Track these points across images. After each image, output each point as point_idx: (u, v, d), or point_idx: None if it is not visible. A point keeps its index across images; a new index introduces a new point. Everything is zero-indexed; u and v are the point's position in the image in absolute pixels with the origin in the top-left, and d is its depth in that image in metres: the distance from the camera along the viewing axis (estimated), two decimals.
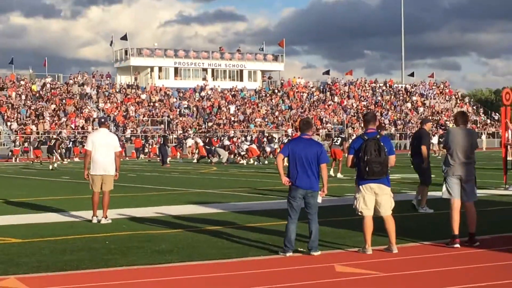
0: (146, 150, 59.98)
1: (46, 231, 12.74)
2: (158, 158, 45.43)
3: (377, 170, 9.84)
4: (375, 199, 10.05)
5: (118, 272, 9.01)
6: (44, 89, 75.93)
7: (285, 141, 42.86)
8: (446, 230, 11.09)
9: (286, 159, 10.30)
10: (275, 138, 51.90)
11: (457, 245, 10.41)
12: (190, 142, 53.01)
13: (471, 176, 10.74)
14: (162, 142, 43.50)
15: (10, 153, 54.93)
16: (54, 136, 49.41)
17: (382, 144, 9.90)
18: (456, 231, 10.49)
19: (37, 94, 74.40)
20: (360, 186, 10.08)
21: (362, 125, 10.40)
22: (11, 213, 15.91)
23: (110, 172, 14.27)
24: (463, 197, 10.68)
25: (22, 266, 9.41)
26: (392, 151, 10.14)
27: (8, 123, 67.20)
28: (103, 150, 14.18)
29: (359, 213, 10.14)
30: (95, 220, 14.02)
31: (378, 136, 10.01)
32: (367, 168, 9.86)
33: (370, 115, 10.42)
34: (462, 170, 10.64)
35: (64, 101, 73.92)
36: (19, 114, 69.53)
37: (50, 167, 39.02)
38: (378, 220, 10.18)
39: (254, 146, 44.11)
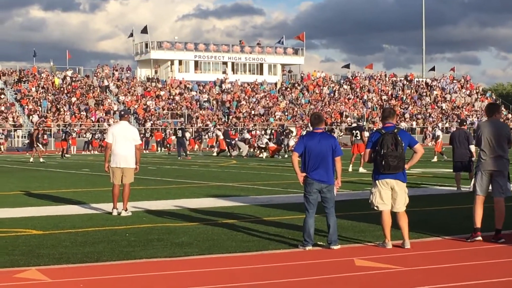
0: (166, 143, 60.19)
1: (67, 223, 12.81)
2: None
3: (393, 165, 9.81)
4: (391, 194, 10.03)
5: (138, 265, 9.05)
6: (64, 82, 76.31)
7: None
8: (469, 224, 11.03)
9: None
10: (292, 132, 51.75)
11: (479, 238, 10.35)
12: (219, 133, 51.67)
13: (503, 171, 10.53)
14: (180, 135, 43.19)
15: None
16: (34, 127, 49.26)
17: (399, 138, 9.87)
18: (478, 224, 10.42)
19: (58, 87, 74.80)
20: (377, 181, 10.06)
21: (380, 120, 10.40)
22: (32, 205, 16.00)
23: (131, 164, 14.31)
24: (494, 192, 10.55)
25: (43, 257, 9.47)
26: (413, 141, 10.16)
27: (30, 116, 67.63)
28: (124, 142, 14.22)
29: (375, 208, 10.11)
30: (115, 213, 14.07)
31: (396, 130, 9.98)
32: (383, 162, 9.84)
33: (388, 110, 10.45)
34: (493, 164, 10.49)
35: (84, 94, 74.27)
36: (40, 107, 69.97)
37: (42, 160, 38.53)
38: (393, 215, 10.13)
39: (272, 144, 43.67)
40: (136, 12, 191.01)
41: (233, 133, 50.26)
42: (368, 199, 10.32)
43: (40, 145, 41.06)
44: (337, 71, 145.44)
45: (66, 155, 47.31)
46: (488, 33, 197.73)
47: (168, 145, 58.06)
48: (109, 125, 61.49)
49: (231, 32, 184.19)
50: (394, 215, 10.09)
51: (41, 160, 38.87)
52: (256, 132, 55.41)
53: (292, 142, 44.91)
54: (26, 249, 10.07)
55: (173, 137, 63.42)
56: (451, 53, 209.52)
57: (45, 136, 60.38)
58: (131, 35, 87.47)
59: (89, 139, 57.85)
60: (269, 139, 45.30)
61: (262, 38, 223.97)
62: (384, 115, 10.34)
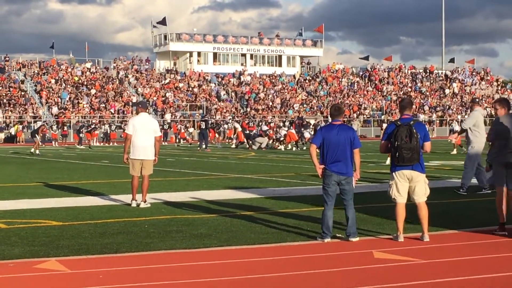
0: (186, 136, 60.29)
1: (86, 214, 12.87)
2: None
3: (407, 157, 9.75)
4: (409, 186, 9.98)
5: (157, 256, 9.07)
6: (84, 74, 76.61)
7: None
8: (487, 217, 10.97)
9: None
10: (310, 124, 51.64)
11: (503, 233, 10.33)
12: (237, 125, 51.70)
13: None
14: (204, 126, 42.95)
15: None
16: (41, 121, 49.92)
17: (414, 130, 9.78)
18: (502, 219, 10.40)
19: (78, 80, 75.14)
20: (394, 173, 10.02)
21: (398, 111, 10.32)
22: (52, 196, 16.09)
23: (150, 156, 14.34)
24: (509, 185, 10.50)
25: (63, 248, 9.52)
26: (427, 137, 10.04)
27: (49, 108, 67.95)
28: (143, 134, 14.25)
29: (393, 200, 10.08)
30: (134, 204, 14.12)
31: (412, 122, 9.91)
32: (397, 154, 9.79)
33: (406, 101, 10.34)
34: (507, 157, 10.45)
35: (104, 86, 74.51)
36: (59, 99, 70.28)
37: (33, 150, 38.19)
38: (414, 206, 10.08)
39: (292, 131, 44.02)
40: (152, 4, 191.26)
41: (251, 125, 50.14)
42: (387, 191, 10.28)
43: (38, 138, 41.11)
44: (354, 63, 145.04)
45: (79, 146, 48.37)
46: (505, 25, 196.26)
47: (180, 138, 58.11)
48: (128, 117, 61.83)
49: (248, 24, 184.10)
50: (415, 206, 10.04)
51: (34, 151, 38.37)
52: (274, 124, 55.39)
53: (307, 134, 44.99)
54: (46, 240, 10.13)
55: (191, 129, 63.63)
56: (469, 45, 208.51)
57: (65, 128, 60.95)
58: (154, 26, 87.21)
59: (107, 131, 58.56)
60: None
61: (278, 31, 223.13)
62: (402, 105, 10.22)
